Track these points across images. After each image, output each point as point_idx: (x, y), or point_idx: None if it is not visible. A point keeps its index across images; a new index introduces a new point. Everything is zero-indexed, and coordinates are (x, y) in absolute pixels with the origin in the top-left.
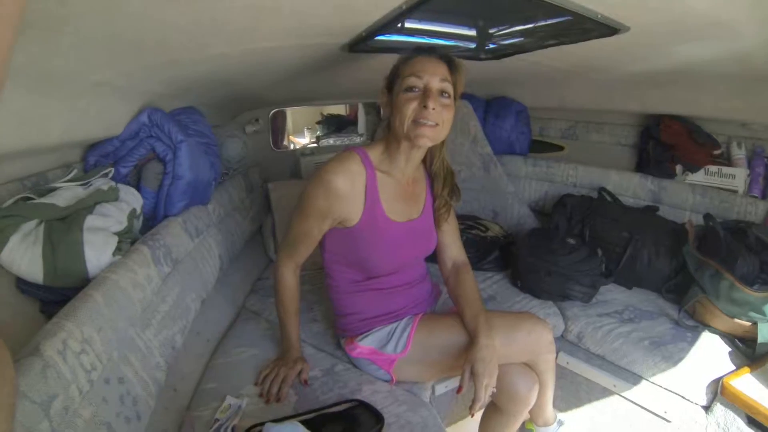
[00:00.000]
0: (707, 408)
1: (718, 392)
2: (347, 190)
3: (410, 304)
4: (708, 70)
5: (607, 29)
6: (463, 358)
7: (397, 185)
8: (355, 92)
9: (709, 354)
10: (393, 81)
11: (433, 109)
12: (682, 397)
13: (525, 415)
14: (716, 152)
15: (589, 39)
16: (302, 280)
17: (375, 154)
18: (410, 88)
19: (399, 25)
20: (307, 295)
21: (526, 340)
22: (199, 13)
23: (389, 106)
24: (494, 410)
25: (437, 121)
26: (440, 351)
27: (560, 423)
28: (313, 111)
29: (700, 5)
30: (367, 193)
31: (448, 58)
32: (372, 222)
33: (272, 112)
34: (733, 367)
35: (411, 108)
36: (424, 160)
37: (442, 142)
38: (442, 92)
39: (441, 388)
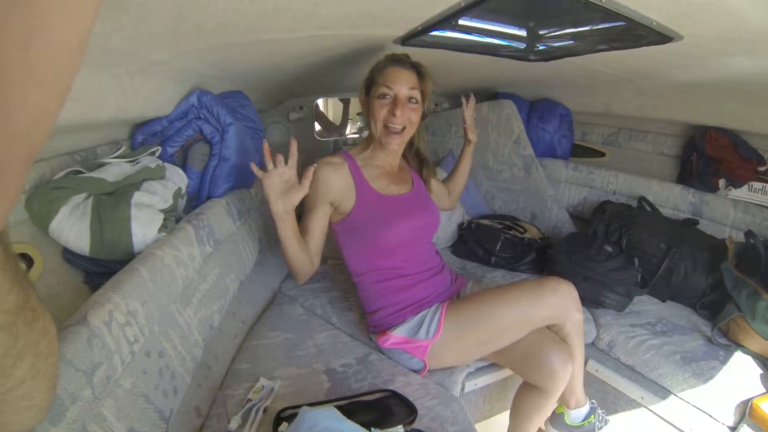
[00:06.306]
0: (733, 429)
1: (746, 414)
2: (332, 175)
3: (435, 292)
4: (760, 84)
5: (661, 37)
6: (496, 333)
7: (381, 170)
8: None
9: (740, 374)
10: (370, 86)
11: (401, 115)
12: (709, 415)
13: (558, 396)
14: (761, 168)
15: (640, 46)
16: (337, 269)
17: (355, 151)
18: (382, 96)
19: (453, 22)
20: (343, 284)
21: (553, 297)
22: None
23: (366, 107)
24: (528, 390)
25: (404, 124)
26: (472, 325)
27: (593, 404)
28: (354, 102)
29: (753, 19)
30: (354, 178)
31: (417, 67)
32: (366, 199)
33: (317, 100)
34: (764, 390)
35: (382, 114)
36: (404, 155)
37: (415, 139)
38: (410, 98)
39: (471, 386)
